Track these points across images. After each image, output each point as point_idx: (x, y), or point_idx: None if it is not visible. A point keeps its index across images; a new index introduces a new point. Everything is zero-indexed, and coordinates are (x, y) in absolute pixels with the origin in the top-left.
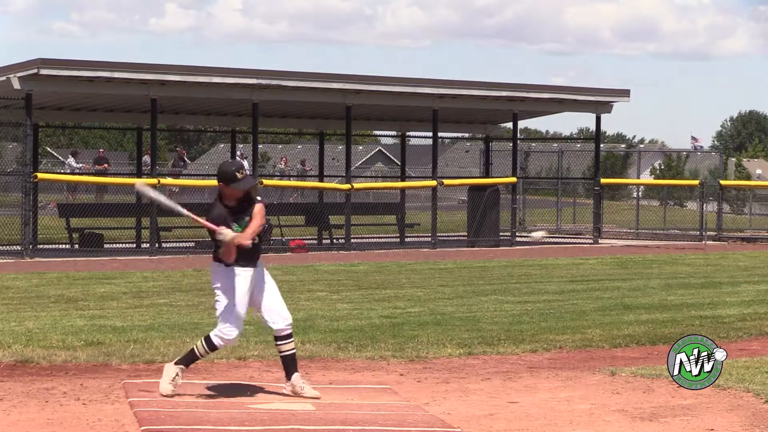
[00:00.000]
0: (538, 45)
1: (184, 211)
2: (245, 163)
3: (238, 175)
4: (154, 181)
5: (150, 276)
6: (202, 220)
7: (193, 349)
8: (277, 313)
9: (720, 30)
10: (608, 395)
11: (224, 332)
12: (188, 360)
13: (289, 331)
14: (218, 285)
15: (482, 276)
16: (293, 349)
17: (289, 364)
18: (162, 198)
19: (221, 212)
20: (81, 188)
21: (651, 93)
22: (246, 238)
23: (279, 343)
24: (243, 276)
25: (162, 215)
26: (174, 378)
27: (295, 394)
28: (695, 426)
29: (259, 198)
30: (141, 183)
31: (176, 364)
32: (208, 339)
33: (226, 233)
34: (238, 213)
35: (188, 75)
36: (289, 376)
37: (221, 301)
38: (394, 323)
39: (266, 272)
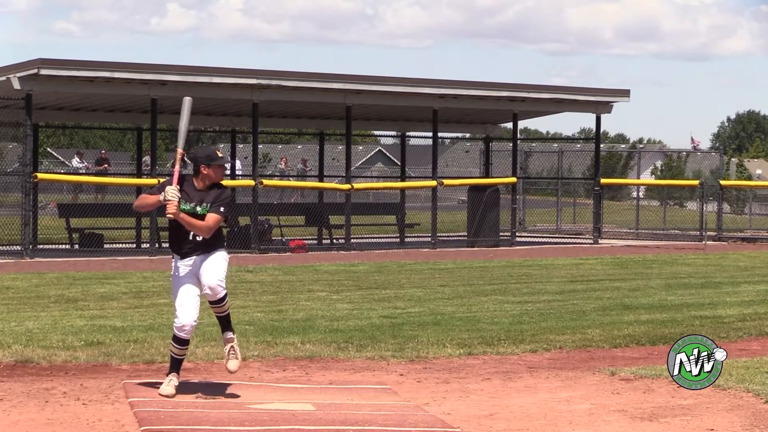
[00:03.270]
0: (538, 45)
1: (180, 151)
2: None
3: (219, 153)
4: (154, 181)
5: (150, 276)
6: (177, 172)
7: (170, 354)
8: (203, 281)
9: (722, 30)
10: (608, 395)
11: (176, 324)
12: (172, 365)
13: (218, 297)
14: (171, 276)
15: (482, 276)
16: (225, 312)
17: (223, 323)
18: (184, 124)
19: (186, 186)
20: (82, 188)
21: (651, 93)
22: (173, 209)
23: (211, 305)
24: (175, 266)
25: (162, 215)
26: (170, 381)
27: (226, 343)
28: (695, 426)
29: (222, 209)
30: (188, 101)
31: (167, 375)
32: (173, 336)
33: (169, 190)
34: (201, 199)
35: (188, 75)
36: (223, 332)
37: (172, 292)
38: (394, 323)
39: (216, 253)
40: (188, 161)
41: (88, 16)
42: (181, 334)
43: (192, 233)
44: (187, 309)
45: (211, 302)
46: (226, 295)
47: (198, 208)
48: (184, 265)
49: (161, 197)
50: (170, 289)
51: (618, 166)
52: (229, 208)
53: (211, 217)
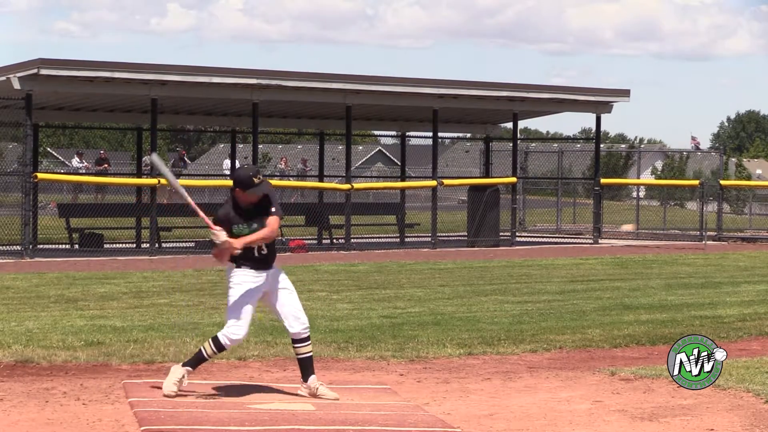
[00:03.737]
0: (538, 45)
1: (189, 199)
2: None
3: (255, 180)
4: (155, 181)
5: (150, 276)
6: (201, 214)
7: (200, 350)
8: (294, 317)
9: (722, 30)
10: (608, 395)
11: (230, 332)
12: (196, 361)
13: (305, 335)
14: (229, 285)
15: (482, 276)
16: (310, 352)
17: (306, 367)
18: (171, 177)
19: (228, 213)
20: (82, 188)
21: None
22: (237, 244)
23: (296, 345)
24: (247, 278)
25: (162, 215)
26: (180, 379)
27: (312, 396)
28: (695, 426)
29: (274, 210)
30: (156, 157)
31: (183, 365)
32: (215, 339)
33: (219, 234)
34: (250, 219)
35: (188, 75)
36: (305, 378)
37: (229, 302)
38: (394, 323)
39: (283, 276)
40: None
41: (89, 16)
42: (228, 343)
43: (257, 247)
44: (245, 325)
45: (296, 341)
46: (309, 335)
47: (255, 225)
48: (257, 279)
49: (224, 245)
50: (170, 288)
51: (619, 166)
52: (277, 200)
53: (273, 220)
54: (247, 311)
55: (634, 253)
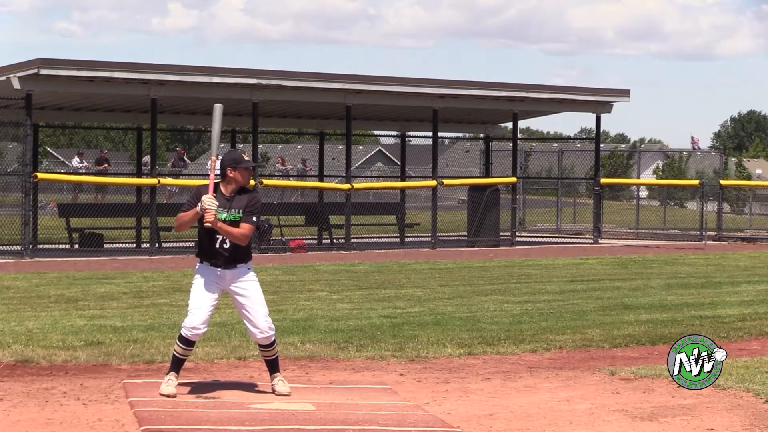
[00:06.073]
0: (539, 45)
1: (214, 156)
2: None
3: (245, 156)
4: (154, 181)
5: (150, 276)
6: (212, 176)
7: (173, 352)
8: (253, 326)
9: (723, 30)
10: (608, 395)
11: (185, 322)
12: (174, 364)
13: (265, 343)
14: (193, 279)
15: (482, 276)
16: (274, 355)
17: (270, 366)
18: (217, 131)
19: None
20: (82, 188)
21: (652, 93)
22: (211, 217)
23: (261, 350)
24: (204, 272)
25: (162, 215)
26: (169, 381)
27: (273, 392)
28: (695, 426)
29: (255, 219)
30: (219, 108)
31: (167, 373)
32: (179, 335)
33: (205, 199)
34: (231, 206)
35: (188, 75)
36: (272, 374)
37: (190, 295)
38: (394, 323)
39: (249, 280)
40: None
41: (90, 16)
42: (188, 334)
43: (221, 240)
44: (200, 313)
45: (261, 347)
46: (274, 338)
47: (225, 215)
48: (211, 273)
49: (198, 208)
50: (170, 288)
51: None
52: (260, 215)
53: (246, 227)
54: (203, 302)
55: (634, 253)
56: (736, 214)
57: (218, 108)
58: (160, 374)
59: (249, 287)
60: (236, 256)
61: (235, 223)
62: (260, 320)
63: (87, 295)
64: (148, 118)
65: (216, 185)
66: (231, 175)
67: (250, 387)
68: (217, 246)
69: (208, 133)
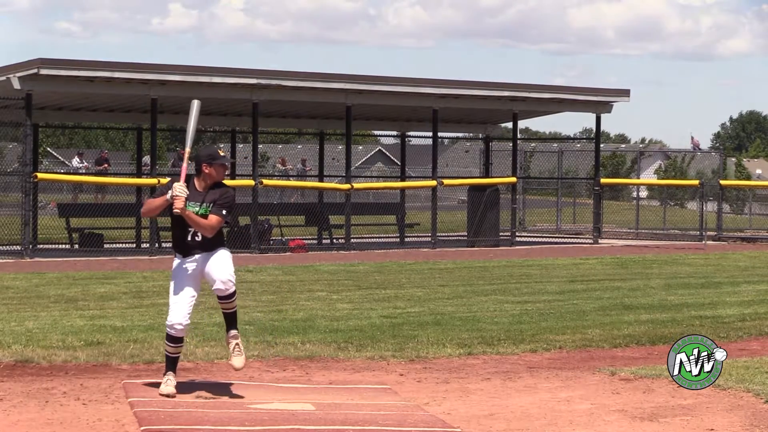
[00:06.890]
0: (539, 45)
1: (188, 149)
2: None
3: (220, 152)
4: (154, 181)
5: (150, 276)
6: (185, 166)
7: (165, 353)
8: (217, 276)
9: (723, 30)
10: (608, 395)
11: (168, 320)
12: (169, 364)
13: (228, 293)
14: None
15: (482, 276)
16: (233, 308)
17: (230, 320)
18: (193, 125)
19: (188, 184)
20: (82, 188)
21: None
22: (181, 207)
23: (220, 302)
24: (179, 266)
25: (162, 215)
26: (167, 381)
27: (230, 340)
28: (695, 426)
29: (225, 213)
30: (196, 103)
31: (164, 374)
32: (166, 333)
33: (176, 186)
34: (204, 199)
35: (188, 75)
36: (228, 330)
37: (170, 293)
38: (394, 323)
39: (220, 251)
40: (190, 161)
41: (90, 16)
42: (172, 332)
43: (192, 232)
44: (180, 307)
45: (220, 298)
46: (235, 291)
47: (198, 208)
48: (186, 265)
49: (168, 195)
50: (169, 288)
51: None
52: (231, 209)
53: (214, 218)
54: (182, 297)
55: (634, 253)
56: (736, 214)
57: (196, 104)
58: (160, 374)
59: (218, 252)
60: (209, 245)
61: (206, 217)
62: (223, 271)
63: (87, 295)
64: (148, 118)
65: (190, 179)
66: (206, 171)
67: (250, 387)
68: (189, 239)
69: (208, 133)
